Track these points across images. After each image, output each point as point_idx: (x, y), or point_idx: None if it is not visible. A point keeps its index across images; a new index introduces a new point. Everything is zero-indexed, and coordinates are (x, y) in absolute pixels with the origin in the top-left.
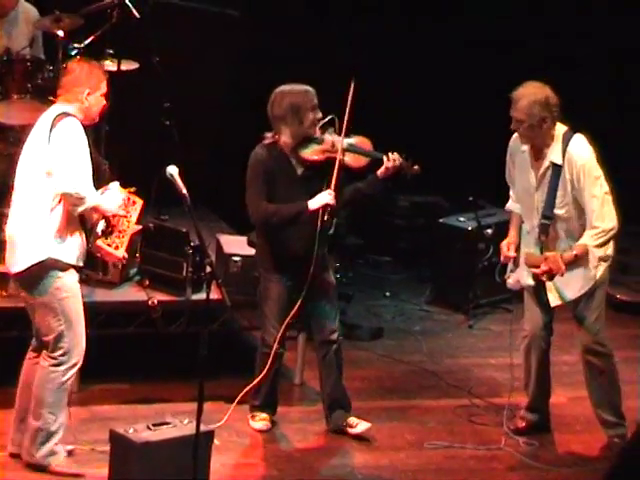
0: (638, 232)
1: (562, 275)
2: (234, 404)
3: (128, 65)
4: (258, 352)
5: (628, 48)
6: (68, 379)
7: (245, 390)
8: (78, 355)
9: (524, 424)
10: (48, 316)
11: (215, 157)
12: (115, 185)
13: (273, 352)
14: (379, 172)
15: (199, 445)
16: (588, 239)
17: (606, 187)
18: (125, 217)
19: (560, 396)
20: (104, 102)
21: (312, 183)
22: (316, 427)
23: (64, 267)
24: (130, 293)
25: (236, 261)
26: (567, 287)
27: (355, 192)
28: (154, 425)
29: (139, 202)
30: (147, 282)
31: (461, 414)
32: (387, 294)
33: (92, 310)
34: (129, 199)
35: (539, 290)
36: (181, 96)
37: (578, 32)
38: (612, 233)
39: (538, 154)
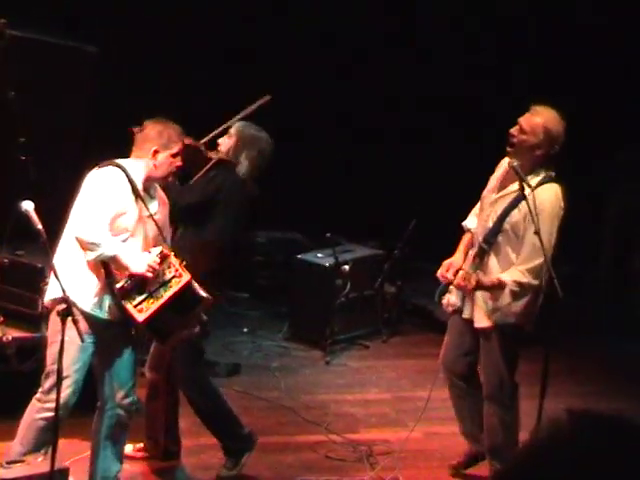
0: None
1: (468, 292)
2: None
3: None
4: None
5: None
6: (41, 419)
7: None
8: (57, 401)
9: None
10: (47, 350)
11: (72, 193)
12: (156, 250)
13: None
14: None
15: None
16: (510, 280)
17: (551, 245)
18: (152, 279)
19: (416, 431)
20: (177, 163)
21: None
22: (172, 464)
23: (77, 311)
24: None
25: None
26: (478, 312)
27: None
28: (7, 463)
29: (186, 277)
30: (1, 318)
31: (318, 450)
32: (245, 330)
33: None
34: (177, 270)
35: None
36: (37, 131)
37: None
38: (530, 290)
39: (513, 177)
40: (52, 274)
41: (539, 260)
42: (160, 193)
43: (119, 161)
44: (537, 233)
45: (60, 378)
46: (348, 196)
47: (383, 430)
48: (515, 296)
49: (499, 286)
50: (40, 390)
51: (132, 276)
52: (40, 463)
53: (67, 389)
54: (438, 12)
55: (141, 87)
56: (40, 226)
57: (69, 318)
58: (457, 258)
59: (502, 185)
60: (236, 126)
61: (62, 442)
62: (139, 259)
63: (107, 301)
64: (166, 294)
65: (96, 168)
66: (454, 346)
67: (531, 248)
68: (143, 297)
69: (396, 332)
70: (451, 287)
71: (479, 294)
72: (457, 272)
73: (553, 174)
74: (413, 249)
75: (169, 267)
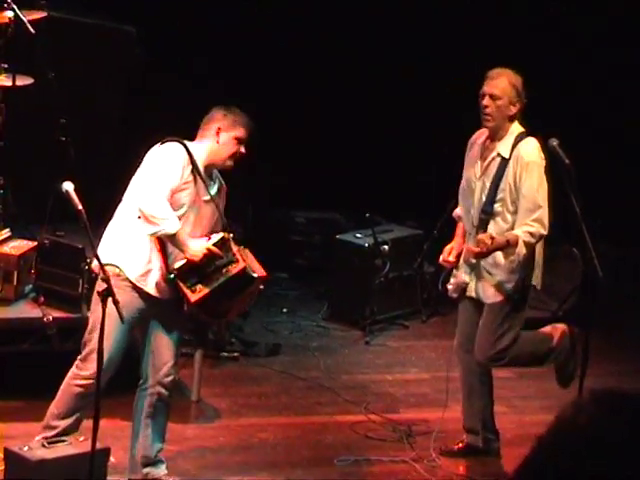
0: None
1: (485, 254)
2: None
3: (23, 80)
4: None
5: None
6: (77, 386)
7: None
8: (93, 370)
9: (460, 445)
10: (89, 317)
11: (112, 173)
12: (217, 236)
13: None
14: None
15: (95, 463)
16: (521, 232)
17: (545, 195)
18: (200, 265)
19: (455, 411)
20: (241, 149)
21: None
22: (214, 444)
23: (122, 279)
24: (25, 310)
25: None
26: (486, 289)
27: None
28: (49, 443)
29: (242, 263)
30: (42, 299)
31: (358, 430)
32: (284, 310)
33: None
34: (234, 255)
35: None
36: (77, 112)
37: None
38: (540, 240)
39: (490, 143)
40: (102, 242)
41: (540, 211)
42: (221, 179)
43: (190, 144)
44: (568, 195)
45: (101, 358)
46: (387, 175)
47: (422, 410)
48: (527, 246)
49: (513, 242)
50: (78, 357)
51: (188, 260)
52: (82, 443)
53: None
54: None
55: (177, 68)
56: (80, 207)
57: (109, 299)
58: (457, 242)
59: (483, 157)
60: None
61: (103, 422)
62: (197, 243)
63: (155, 277)
64: (221, 278)
65: (158, 144)
66: (469, 325)
67: (529, 202)
68: (199, 279)
69: (435, 312)
70: (458, 267)
71: (486, 268)
72: (458, 255)
73: (523, 129)
74: (452, 229)
75: (228, 252)
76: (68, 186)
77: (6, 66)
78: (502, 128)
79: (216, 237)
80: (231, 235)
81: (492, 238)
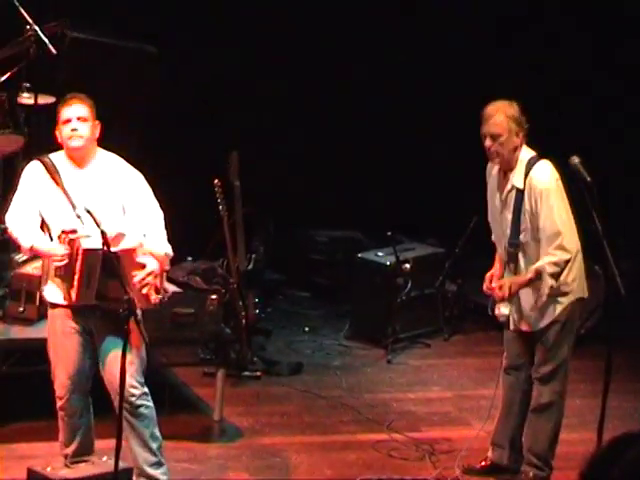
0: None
1: (504, 298)
2: None
3: (45, 99)
4: None
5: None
6: (58, 408)
7: None
8: (57, 388)
9: (484, 463)
10: None
11: None
12: (59, 232)
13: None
14: None
15: None
16: (545, 264)
17: (565, 215)
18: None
19: (478, 430)
20: (68, 129)
21: None
22: (236, 463)
23: (51, 305)
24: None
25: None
26: (523, 319)
27: None
28: (72, 463)
29: (84, 245)
30: None
31: (380, 449)
32: (306, 329)
33: (9, 347)
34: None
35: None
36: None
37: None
38: (566, 266)
39: (504, 176)
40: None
41: (559, 237)
42: (114, 169)
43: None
44: (595, 229)
45: (123, 382)
46: (409, 194)
47: (445, 429)
48: (554, 276)
49: (536, 277)
50: None
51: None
52: (104, 463)
53: (57, 380)
54: None
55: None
56: (103, 227)
57: (132, 319)
58: (496, 269)
59: (501, 189)
60: None
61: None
62: (54, 248)
63: (60, 287)
64: (77, 266)
65: None
66: (513, 345)
67: (548, 230)
68: (73, 277)
69: (457, 330)
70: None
71: (525, 304)
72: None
73: (534, 153)
74: (474, 247)
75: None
76: (90, 206)
77: (28, 85)
78: (512, 160)
79: (61, 232)
80: (71, 228)
81: (510, 285)
